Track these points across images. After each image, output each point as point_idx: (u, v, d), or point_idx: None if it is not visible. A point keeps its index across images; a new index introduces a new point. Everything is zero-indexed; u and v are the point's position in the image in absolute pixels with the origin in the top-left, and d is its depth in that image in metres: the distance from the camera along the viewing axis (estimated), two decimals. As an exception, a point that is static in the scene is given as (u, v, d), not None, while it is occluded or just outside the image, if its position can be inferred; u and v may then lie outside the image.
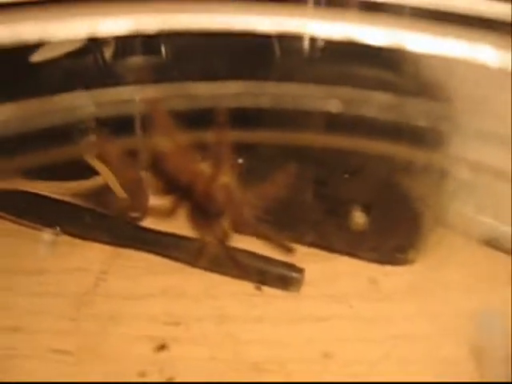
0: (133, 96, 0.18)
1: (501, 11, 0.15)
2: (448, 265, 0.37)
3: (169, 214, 0.19)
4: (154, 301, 0.36)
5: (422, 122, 0.19)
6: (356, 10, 0.17)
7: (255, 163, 0.21)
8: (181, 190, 0.19)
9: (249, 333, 0.34)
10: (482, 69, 0.15)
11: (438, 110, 0.19)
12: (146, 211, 0.41)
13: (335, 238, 0.37)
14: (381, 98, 0.19)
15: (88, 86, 0.20)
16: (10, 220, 0.41)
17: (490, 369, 0.30)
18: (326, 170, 0.35)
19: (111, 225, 0.41)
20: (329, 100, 0.19)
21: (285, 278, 0.37)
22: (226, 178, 0.19)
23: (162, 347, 0.32)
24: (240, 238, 0.34)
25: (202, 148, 0.18)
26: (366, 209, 0.33)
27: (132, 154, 0.19)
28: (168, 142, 0.18)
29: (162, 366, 0.31)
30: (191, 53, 0.33)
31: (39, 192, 0.42)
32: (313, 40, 0.24)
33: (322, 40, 0.24)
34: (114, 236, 0.40)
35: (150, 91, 0.18)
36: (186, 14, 0.14)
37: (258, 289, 0.37)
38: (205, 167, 0.19)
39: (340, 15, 0.16)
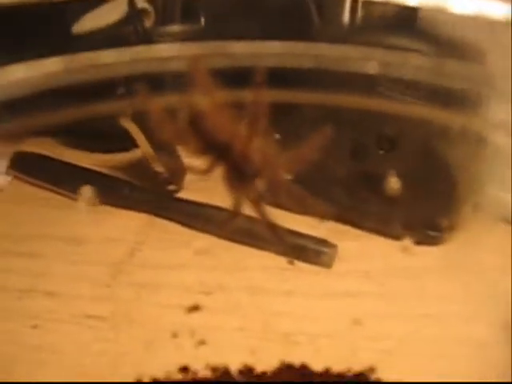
0: (172, 53, 0.18)
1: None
2: (480, 245, 0.36)
3: (206, 172, 0.20)
4: (188, 271, 0.37)
5: (458, 85, 0.19)
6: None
7: (293, 125, 0.22)
8: (218, 150, 0.19)
9: (279, 305, 0.34)
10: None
11: (475, 72, 0.19)
12: (181, 183, 0.42)
13: (367, 214, 0.37)
14: (418, 60, 0.19)
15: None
16: (48, 189, 0.42)
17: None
18: (362, 139, 0.35)
19: (148, 196, 0.41)
20: (367, 62, 0.19)
21: (317, 253, 0.37)
22: (263, 139, 0.19)
23: (194, 308, 0.33)
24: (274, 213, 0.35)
25: (241, 108, 0.18)
26: (401, 178, 0.33)
27: (170, 113, 0.19)
28: (207, 100, 0.18)
29: (193, 329, 0.32)
30: (229, 18, 0.34)
31: (78, 163, 0.43)
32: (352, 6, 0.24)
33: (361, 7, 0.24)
34: (151, 207, 0.41)
35: (190, 49, 0.19)
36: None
37: (291, 263, 0.38)
38: (243, 127, 0.19)
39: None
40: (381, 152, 0.35)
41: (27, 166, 0.43)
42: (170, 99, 0.19)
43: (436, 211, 0.37)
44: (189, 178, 0.43)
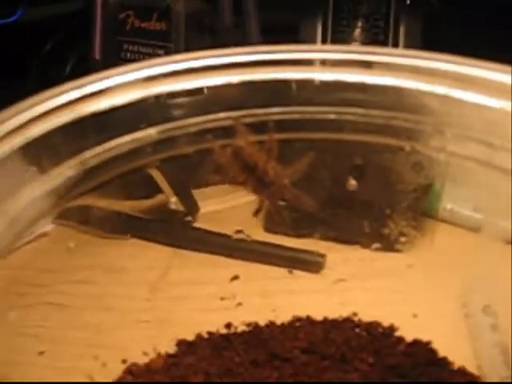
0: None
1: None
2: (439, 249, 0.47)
3: (242, 183, 0.31)
4: (210, 286, 0.46)
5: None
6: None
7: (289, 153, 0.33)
8: (249, 169, 0.30)
9: (285, 301, 0.45)
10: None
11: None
12: (196, 216, 0.52)
13: (347, 230, 0.48)
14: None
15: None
16: (87, 231, 0.52)
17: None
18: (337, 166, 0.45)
19: (170, 229, 0.52)
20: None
21: (311, 262, 0.48)
22: (274, 162, 0.30)
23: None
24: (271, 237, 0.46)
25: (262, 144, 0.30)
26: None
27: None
28: (244, 141, 0.30)
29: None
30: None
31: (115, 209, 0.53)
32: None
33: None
34: (173, 238, 0.51)
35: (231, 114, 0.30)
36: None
37: (290, 272, 0.48)
38: (263, 155, 0.31)
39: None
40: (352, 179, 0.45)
41: (69, 216, 0.53)
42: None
43: (408, 227, 0.48)
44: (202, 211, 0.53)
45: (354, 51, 0.30)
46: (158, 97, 0.31)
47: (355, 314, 0.40)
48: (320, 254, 0.48)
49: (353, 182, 0.42)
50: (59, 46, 0.65)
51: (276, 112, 0.32)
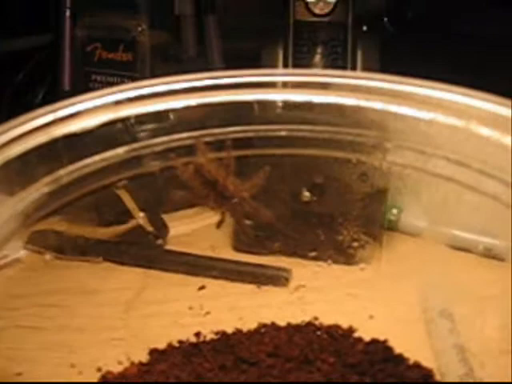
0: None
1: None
2: (398, 258, 0.49)
3: (204, 199, 0.33)
4: (184, 302, 0.48)
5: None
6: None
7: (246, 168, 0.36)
8: (210, 185, 0.33)
9: (252, 312, 0.46)
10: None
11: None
12: (166, 239, 0.54)
13: (309, 245, 0.50)
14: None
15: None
16: (60, 257, 0.53)
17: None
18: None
19: (141, 251, 0.53)
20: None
21: (277, 277, 0.50)
22: (233, 177, 0.33)
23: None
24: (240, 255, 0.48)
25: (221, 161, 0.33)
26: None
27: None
28: (204, 159, 0.32)
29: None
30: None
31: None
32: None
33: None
34: (144, 260, 0.53)
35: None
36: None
37: (258, 287, 0.50)
38: (223, 171, 0.33)
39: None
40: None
41: (40, 241, 0.54)
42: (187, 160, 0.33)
43: (361, 235, 0.50)
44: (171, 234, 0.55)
45: (304, 74, 0.33)
46: (125, 120, 0.33)
47: (316, 319, 0.42)
48: (286, 269, 0.50)
49: (306, 194, 0.45)
50: (31, 76, 0.67)
51: (233, 131, 0.35)
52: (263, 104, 0.33)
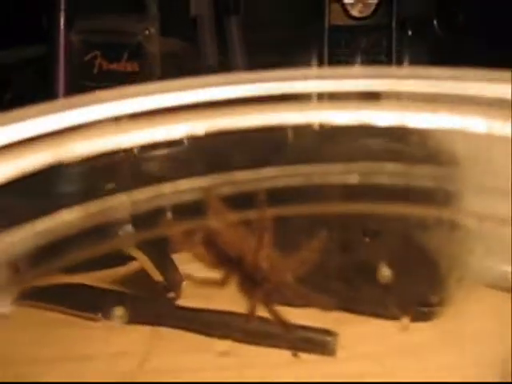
0: (186, 187, 0.22)
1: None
2: (470, 313, 0.39)
3: (222, 284, 0.22)
4: (201, 374, 0.38)
5: (430, 184, 0.22)
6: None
7: (289, 234, 0.24)
8: (231, 263, 0.22)
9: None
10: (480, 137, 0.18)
11: (445, 173, 0.23)
12: (180, 291, 0.44)
13: (363, 301, 0.40)
14: (393, 167, 0.22)
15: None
16: (53, 310, 0.44)
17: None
18: (348, 236, 0.38)
19: (149, 306, 0.43)
20: (347, 174, 0.22)
21: (320, 343, 0.39)
22: (269, 249, 0.22)
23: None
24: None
25: (249, 225, 0.22)
26: (390, 265, 0.36)
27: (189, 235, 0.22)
28: (220, 221, 0.21)
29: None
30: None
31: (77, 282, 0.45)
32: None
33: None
34: (153, 316, 0.43)
35: (202, 181, 0.22)
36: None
37: (295, 355, 0.39)
38: (251, 242, 0.22)
39: (347, 103, 0.19)
40: (366, 248, 0.38)
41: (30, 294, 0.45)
42: (189, 225, 0.22)
43: (424, 289, 0.40)
44: (186, 285, 0.45)
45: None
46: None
47: None
48: (331, 332, 0.39)
49: (385, 270, 0.34)
50: (21, 92, 0.58)
51: (267, 176, 0.23)
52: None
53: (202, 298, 0.43)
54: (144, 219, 0.22)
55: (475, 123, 0.17)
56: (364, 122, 0.18)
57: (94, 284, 0.45)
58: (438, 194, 0.23)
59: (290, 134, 0.20)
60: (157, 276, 0.43)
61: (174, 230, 0.22)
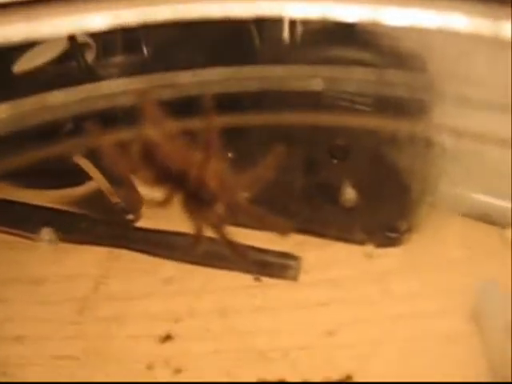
0: (119, 89, 0.19)
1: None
2: (439, 241, 0.37)
3: (164, 204, 0.20)
4: (155, 300, 0.36)
5: (402, 93, 0.20)
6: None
7: (244, 148, 0.22)
8: (174, 179, 0.19)
9: (251, 323, 0.34)
10: (455, 37, 0.15)
11: (417, 80, 0.20)
12: (139, 212, 0.42)
13: (327, 224, 0.38)
14: (361, 73, 0.20)
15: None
16: (5, 231, 0.41)
17: (490, 336, 0.31)
18: (314, 155, 0.35)
19: (107, 228, 0.41)
20: (312, 80, 0.20)
21: (283, 267, 0.37)
22: (217, 164, 0.19)
23: (167, 338, 0.33)
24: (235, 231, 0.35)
25: (193, 136, 0.19)
26: (356, 186, 0.34)
27: (122, 147, 0.19)
28: (158, 131, 0.19)
29: (168, 358, 0.31)
30: (171, 47, 0.34)
31: (31, 202, 0.43)
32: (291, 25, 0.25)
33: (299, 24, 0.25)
34: (111, 239, 0.40)
35: (137, 82, 0.19)
36: (164, 5, 0.15)
37: (257, 280, 0.38)
38: (196, 155, 0.19)
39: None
40: (334, 162, 0.35)
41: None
42: (122, 134, 0.19)
43: (393, 213, 0.38)
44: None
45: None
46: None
47: (349, 377, 0.30)
48: (294, 256, 0.38)
49: (350, 192, 0.32)
50: None
51: (217, 78, 0.20)
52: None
53: (159, 221, 0.41)
54: (78, 123, 0.19)
55: (455, 20, 0.15)
56: (330, 17, 0.15)
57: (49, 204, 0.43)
58: (413, 106, 0.21)
59: (249, 28, 0.17)
60: (115, 198, 0.41)
61: (105, 140, 0.19)
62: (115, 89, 0.18)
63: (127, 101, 0.19)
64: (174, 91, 0.19)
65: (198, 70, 0.19)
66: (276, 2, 0.15)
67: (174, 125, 0.18)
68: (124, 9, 0.15)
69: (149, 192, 0.20)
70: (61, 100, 0.18)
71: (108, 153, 0.19)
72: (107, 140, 0.18)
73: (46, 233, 0.38)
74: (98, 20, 0.15)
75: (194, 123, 0.18)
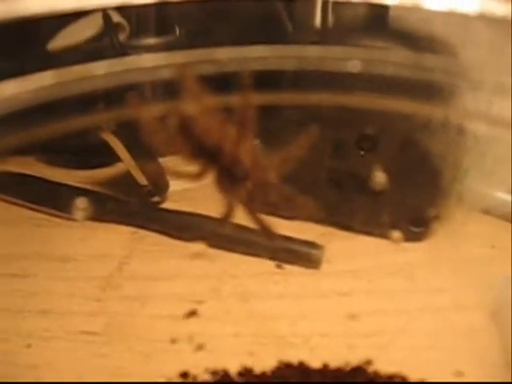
0: (159, 63, 0.19)
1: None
2: (464, 236, 0.37)
3: (197, 177, 0.20)
4: (177, 281, 0.37)
5: (435, 78, 0.20)
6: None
7: (278, 126, 0.22)
8: (209, 154, 0.20)
9: (272, 309, 0.35)
10: (490, 24, 0.15)
11: (450, 65, 0.20)
12: (165, 195, 0.42)
13: (353, 213, 0.38)
14: (396, 56, 0.20)
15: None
16: (32, 208, 0.42)
17: (508, 334, 0.31)
18: (342, 143, 0.35)
19: (132, 209, 0.41)
20: (348, 61, 0.20)
21: (305, 255, 0.38)
22: (251, 142, 0.19)
23: (191, 314, 0.33)
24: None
25: (230, 112, 0.19)
26: (385, 175, 0.34)
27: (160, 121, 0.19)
28: (196, 106, 0.19)
29: (191, 334, 0.32)
30: (203, 27, 0.34)
31: (58, 180, 0.43)
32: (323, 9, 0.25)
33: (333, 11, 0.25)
34: (136, 219, 0.41)
35: (177, 57, 0.19)
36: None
37: (279, 267, 0.38)
38: (232, 131, 0.19)
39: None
40: (361, 152, 0.35)
41: (10, 186, 0.43)
42: (160, 108, 0.19)
43: (420, 206, 0.38)
44: (172, 188, 0.43)
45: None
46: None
47: (369, 363, 0.30)
48: (317, 244, 0.38)
49: (380, 176, 0.32)
50: None
51: (255, 55, 0.20)
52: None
53: (187, 203, 0.41)
54: (116, 97, 0.19)
55: (493, 6, 0.15)
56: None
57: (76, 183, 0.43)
58: (442, 90, 0.21)
59: (289, 10, 0.17)
60: (142, 180, 0.41)
61: (144, 112, 0.19)
62: (156, 62, 0.19)
63: (166, 75, 0.19)
64: (213, 67, 0.19)
65: (236, 47, 0.19)
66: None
67: (212, 100, 0.19)
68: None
69: (183, 167, 0.21)
70: (104, 71, 0.18)
71: (146, 126, 0.19)
72: (146, 113, 0.18)
73: (81, 202, 0.39)
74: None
75: (233, 100, 0.18)
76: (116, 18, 0.38)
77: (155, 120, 0.19)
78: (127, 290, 0.36)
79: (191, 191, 0.40)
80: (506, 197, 0.40)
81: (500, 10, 0.15)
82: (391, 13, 0.31)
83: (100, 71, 0.18)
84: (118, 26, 0.39)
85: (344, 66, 0.20)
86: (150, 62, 0.19)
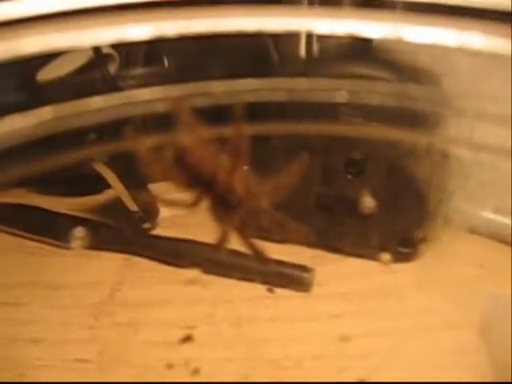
0: (155, 96, 0.19)
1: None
2: (452, 256, 0.38)
3: (192, 205, 0.21)
4: (169, 307, 0.37)
5: (419, 107, 0.20)
6: (350, 7, 0.18)
7: (269, 155, 0.23)
8: (203, 183, 0.20)
9: (264, 332, 0.35)
10: (472, 55, 0.16)
11: (434, 94, 0.21)
12: (156, 221, 0.42)
13: (343, 237, 0.38)
14: (382, 86, 0.20)
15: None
16: (24, 237, 0.42)
17: (497, 351, 0.31)
18: (331, 168, 0.36)
19: (123, 236, 0.42)
20: (335, 92, 0.20)
21: (296, 279, 0.38)
22: (244, 170, 0.20)
23: (186, 340, 0.33)
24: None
25: (223, 142, 0.20)
26: (373, 199, 0.35)
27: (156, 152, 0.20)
28: (191, 137, 0.19)
29: (187, 360, 0.32)
30: (192, 59, 0.34)
31: (51, 208, 0.43)
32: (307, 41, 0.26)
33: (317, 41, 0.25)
34: (127, 246, 0.41)
35: (172, 90, 0.20)
36: (204, 19, 0.16)
37: (270, 291, 0.38)
38: (225, 160, 0.20)
39: (339, 12, 0.17)
40: (350, 176, 0.36)
41: (7, 216, 0.43)
42: (155, 139, 0.20)
43: (408, 228, 0.38)
44: (162, 215, 0.44)
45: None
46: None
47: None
48: (307, 268, 0.38)
49: (368, 200, 0.33)
50: None
51: (246, 88, 0.20)
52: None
53: (177, 229, 0.42)
54: (109, 130, 0.20)
55: (473, 39, 0.16)
56: (355, 33, 0.16)
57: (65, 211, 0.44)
58: (431, 119, 0.22)
59: (274, 42, 0.18)
60: (132, 206, 0.42)
61: (141, 144, 0.20)
62: (152, 96, 0.19)
63: (162, 107, 0.20)
64: (207, 99, 0.20)
65: (229, 80, 0.20)
66: (306, 19, 0.16)
67: (206, 131, 0.19)
68: (164, 20, 0.16)
69: (178, 196, 0.21)
70: (101, 105, 0.18)
71: (143, 157, 0.19)
72: (142, 145, 0.19)
73: (79, 231, 0.39)
74: (139, 31, 0.16)
75: (226, 131, 0.19)
76: (106, 48, 0.39)
77: (151, 151, 0.20)
78: (120, 317, 0.37)
79: (180, 217, 0.40)
80: (491, 215, 0.41)
81: (478, 42, 0.15)
82: (376, 43, 0.32)
83: (96, 105, 0.19)
84: (108, 56, 0.39)
85: (332, 96, 0.20)
86: (145, 95, 0.19)
